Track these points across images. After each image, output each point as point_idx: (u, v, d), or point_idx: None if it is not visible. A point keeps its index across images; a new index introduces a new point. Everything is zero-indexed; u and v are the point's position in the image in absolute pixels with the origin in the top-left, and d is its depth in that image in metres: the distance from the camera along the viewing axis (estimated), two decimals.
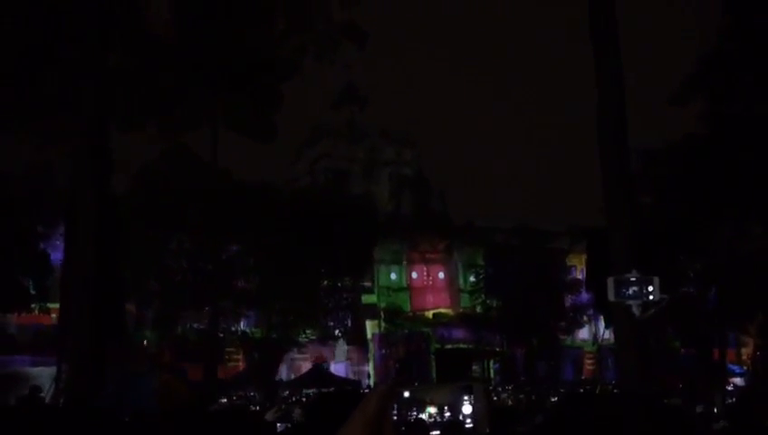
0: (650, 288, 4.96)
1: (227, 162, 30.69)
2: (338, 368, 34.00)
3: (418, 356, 35.01)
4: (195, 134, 25.39)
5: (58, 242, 23.50)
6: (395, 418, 0.85)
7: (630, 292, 5.01)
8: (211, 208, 23.39)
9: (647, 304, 5.04)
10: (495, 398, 20.39)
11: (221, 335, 26.98)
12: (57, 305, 22.45)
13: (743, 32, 21.98)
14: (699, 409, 10.77)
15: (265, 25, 21.43)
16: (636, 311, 5.18)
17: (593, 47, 12.36)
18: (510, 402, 18.52)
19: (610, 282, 5.15)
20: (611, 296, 5.07)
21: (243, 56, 21.77)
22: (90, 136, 13.90)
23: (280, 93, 23.54)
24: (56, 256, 24.12)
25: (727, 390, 17.39)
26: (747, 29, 21.84)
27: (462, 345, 35.81)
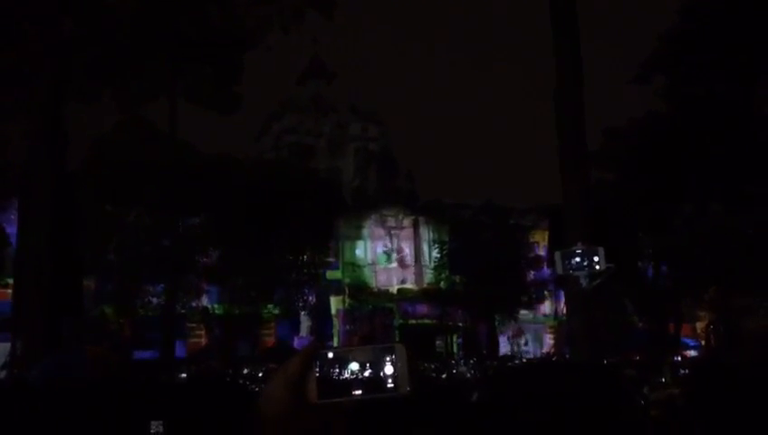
0: (596, 258, 5.07)
1: (192, 137, 30.24)
2: (302, 343, 34.11)
3: (382, 332, 35.26)
4: (157, 108, 24.96)
5: (13, 217, 22.98)
6: (317, 374, 0.88)
7: (575, 263, 5.11)
8: (170, 182, 23.03)
9: (593, 274, 5.15)
10: (455, 371, 20.73)
11: (183, 311, 26.78)
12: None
13: (702, 12, 22.26)
14: (631, 372, 11.12)
15: None
16: (583, 281, 5.30)
17: (552, 28, 12.43)
18: (468, 375, 18.90)
19: (557, 255, 5.25)
20: (559, 269, 5.18)
21: (203, 27, 21.35)
22: (45, 109, 13.56)
23: (241, 65, 23.18)
24: (12, 229, 23.57)
25: (677, 360, 17.92)
26: (707, 9, 22.13)
27: (426, 321, 36.14)
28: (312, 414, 1.01)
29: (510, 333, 36.83)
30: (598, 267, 5.36)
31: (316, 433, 1.01)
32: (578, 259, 5.11)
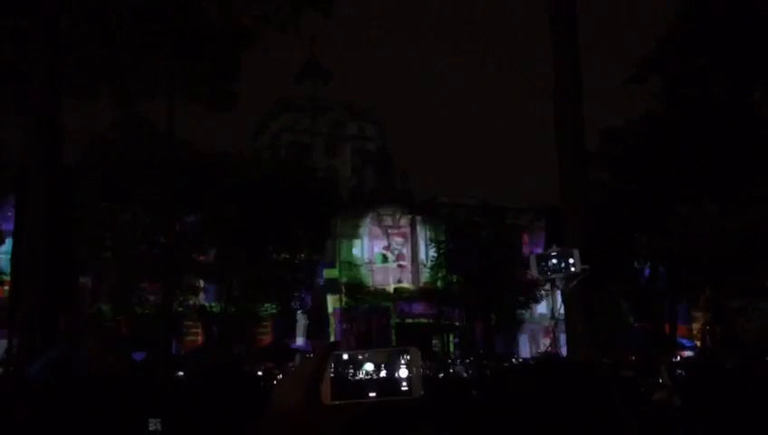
0: (571, 261, 5.04)
1: (189, 136, 30.17)
2: (298, 343, 34.10)
3: (379, 331, 35.27)
4: (154, 106, 24.91)
5: (10, 214, 22.92)
6: (332, 375, 0.92)
7: (551, 266, 5.09)
8: (166, 180, 22.97)
9: (569, 277, 5.14)
10: (452, 370, 20.80)
11: (180, 309, 26.71)
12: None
13: (700, 13, 22.31)
14: (628, 373, 11.14)
15: None
16: (559, 284, 5.27)
17: (551, 30, 12.42)
18: (465, 375, 19.01)
19: (532, 259, 5.23)
20: (534, 273, 5.16)
21: (200, 23, 21.32)
22: (41, 106, 13.51)
23: (239, 63, 23.13)
24: (8, 226, 23.53)
25: (673, 361, 17.99)
26: (704, 11, 22.17)
27: (422, 320, 36.16)
28: (324, 414, 1.02)
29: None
30: (573, 269, 5.35)
31: (327, 433, 1.03)
32: (554, 262, 5.09)
